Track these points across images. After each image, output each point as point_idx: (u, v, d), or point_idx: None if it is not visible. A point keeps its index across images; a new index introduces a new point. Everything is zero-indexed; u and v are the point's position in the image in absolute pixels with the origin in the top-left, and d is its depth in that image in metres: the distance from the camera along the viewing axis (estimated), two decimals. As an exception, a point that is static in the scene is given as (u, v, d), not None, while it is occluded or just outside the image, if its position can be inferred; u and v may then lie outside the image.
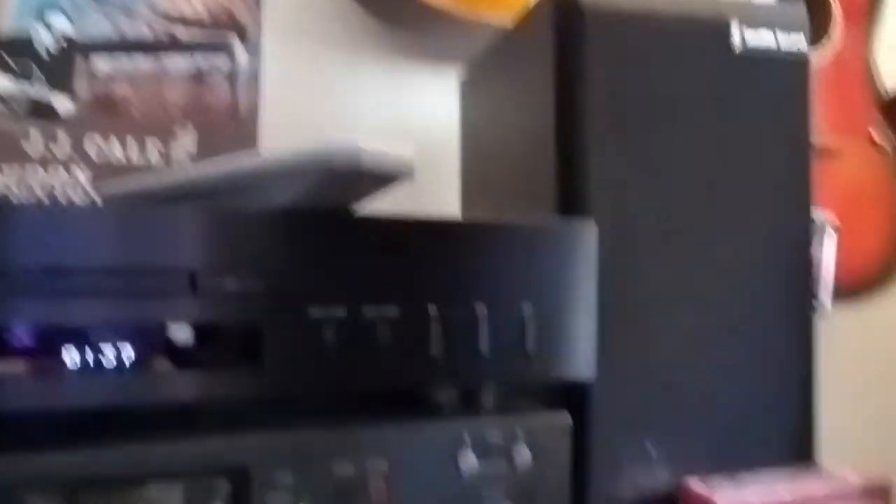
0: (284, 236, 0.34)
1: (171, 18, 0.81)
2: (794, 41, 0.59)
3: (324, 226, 0.35)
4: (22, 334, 0.31)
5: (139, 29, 0.79)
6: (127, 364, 0.32)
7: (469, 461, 0.37)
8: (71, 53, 0.76)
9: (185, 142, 0.79)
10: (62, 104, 0.75)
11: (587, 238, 0.41)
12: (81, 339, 0.31)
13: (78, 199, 0.72)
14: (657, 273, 0.52)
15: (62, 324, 0.31)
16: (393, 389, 0.37)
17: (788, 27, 0.58)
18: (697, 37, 0.58)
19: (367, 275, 0.35)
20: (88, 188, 0.74)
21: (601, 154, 0.53)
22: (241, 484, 0.33)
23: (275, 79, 0.83)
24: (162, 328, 0.32)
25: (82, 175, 0.74)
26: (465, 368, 0.38)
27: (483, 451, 0.38)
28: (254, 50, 0.83)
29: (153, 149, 0.78)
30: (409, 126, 0.88)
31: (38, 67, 0.75)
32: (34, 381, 0.30)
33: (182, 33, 0.80)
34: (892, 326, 1.02)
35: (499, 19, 0.81)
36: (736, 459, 0.53)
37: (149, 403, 0.32)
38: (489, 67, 0.71)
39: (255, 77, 0.83)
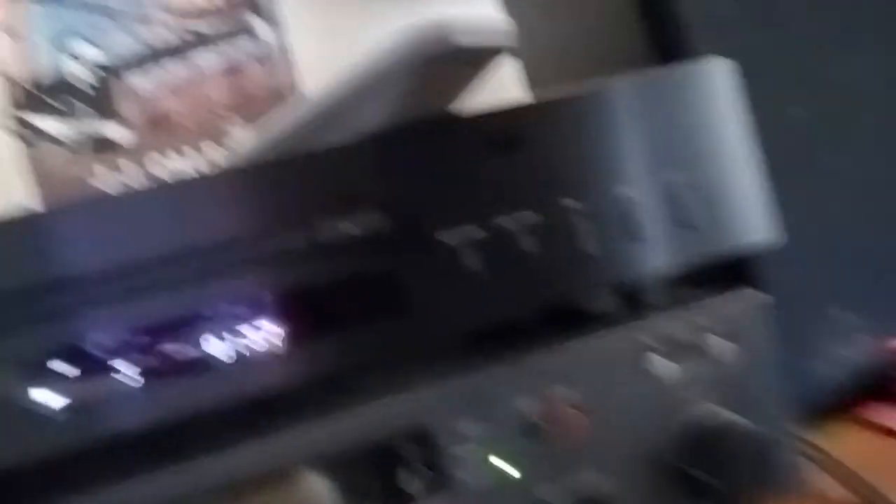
0: (391, 160, 0.29)
1: (187, 15, 0.77)
2: None
3: (429, 136, 0.30)
4: (158, 333, 0.27)
5: (161, 34, 0.76)
6: (265, 344, 0.28)
7: (662, 366, 0.32)
8: (107, 78, 0.74)
9: (240, 137, 0.75)
10: (116, 132, 0.73)
11: (728, 79, 0.34)
12: (216, 325, 0.27)
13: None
14: (799, 117, 0.45)
15: (198, 312, 0.27)
16: (550, 304, 0.32)
17: None
18: None
19: (491, 182, 0.30)
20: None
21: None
22: (425, 445, 0.29)
23: (305, 46, 0.79)
24: (287, 293, 0.28)
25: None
26: (627, 261, 0.32)
27: (674, 351, 0.32)
28: (273, 22, 0.79)
29: (211, 153, 0.75)
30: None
31: (82, 101, 0.73)
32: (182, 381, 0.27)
33: (203, 27, 0.76)
34: None
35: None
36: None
37: (299, 381, 0.28)
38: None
39: (284, 51, 0.79)
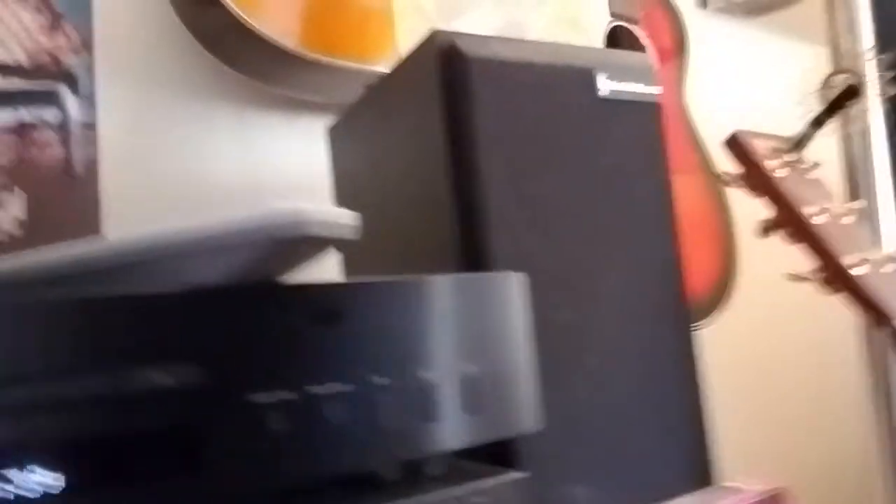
0: (216, 317, 0.30)
1: (-7, 68, 0.70)
2: (647, 86, 0.64)
3: (256, 300, 0.31)
4: None
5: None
6: (39, 491, 0.26)
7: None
8: None
9: (13, 208, 0.68)
10: None
11: (520, 288, 0.40)
12: None
13: None
14: (558, 317, 0.53)
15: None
16: (345, 472, 0.33)
17: (640, 74, 0.63)
18: (566, 83, 0.61)
19: (308, 351, 0.32)
20: None
21: (498, 201, 0.53)
22: None
23: (114, 132, 0.75)
24: (80, 442, 0.26)
25: None
26: (420, 438, 0.35)
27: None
28: (87, 100, 0.75)
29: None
30: (267, 178, 0.83)
31: None
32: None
33: (8, 84, 0.70)
34: (733, 343, 1.12)
35: (359, 63, 0.80)
36: (646, 488, 0.55)
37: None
38: (361, 115, 0.69)
39: (90, 130, 0.74)
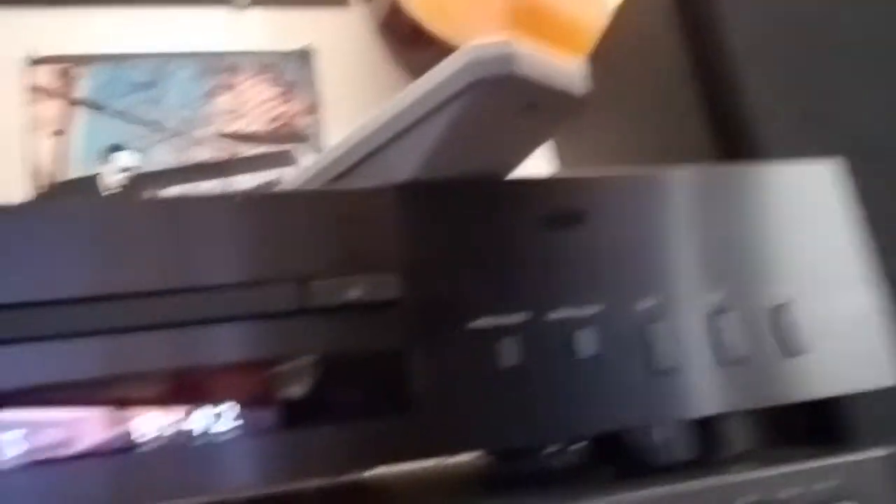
0: (426, 218, 0.24)
1: (235, 138, 0.77)
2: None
3: (477, 198, 0.24)
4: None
5: (204, 153, 0.75)
6: (217, 429, 0.20)
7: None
8: (137, 187, 0.72)
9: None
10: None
11: (838, 179, 0.29)
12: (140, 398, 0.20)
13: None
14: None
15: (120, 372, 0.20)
16: (598, 430, 0.24)
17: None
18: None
19: (542, 260, 0.24)
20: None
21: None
22: None
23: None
24: (262, 366, 0.21)
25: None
26: (704, 387, 0.25)
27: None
28: (319, 151, 0.78)
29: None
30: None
31: (102, 202, 0.70)
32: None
33: (246, 151, 0.76)
34: None
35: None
36: None
37: (256, 481, 0.20)
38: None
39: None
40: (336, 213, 0.23)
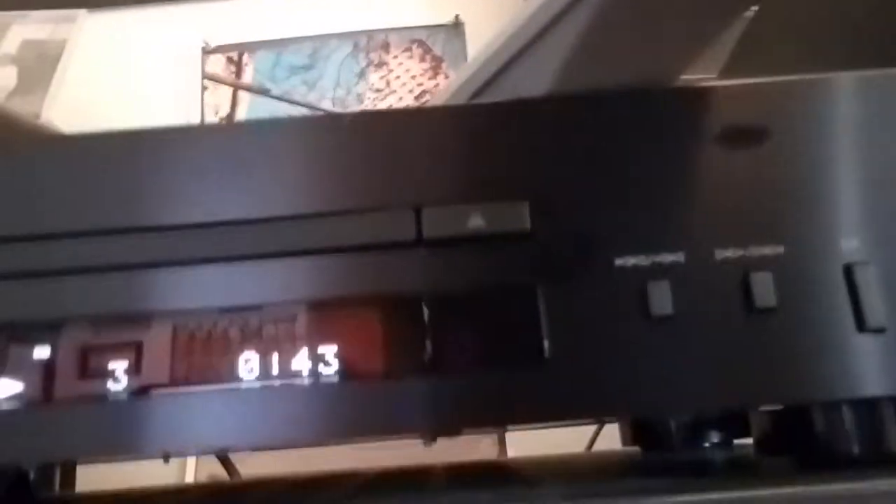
0: (561, 138, 0.20)
1: (381, 112, 0.77)
2: None
3: (624, 112, 0.20)
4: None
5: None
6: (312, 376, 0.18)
7: None
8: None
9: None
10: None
11: None
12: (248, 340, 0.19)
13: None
14: None
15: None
16: (790, 402, 0.19)
17: None
18: None
19: (710, 184, 0.20)
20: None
21: None
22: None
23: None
24: (371, 304, 0.19)
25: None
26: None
27: None
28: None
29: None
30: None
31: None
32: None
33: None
34: None
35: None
36: None
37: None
38: None
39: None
40: (455, 133, 0.20)
